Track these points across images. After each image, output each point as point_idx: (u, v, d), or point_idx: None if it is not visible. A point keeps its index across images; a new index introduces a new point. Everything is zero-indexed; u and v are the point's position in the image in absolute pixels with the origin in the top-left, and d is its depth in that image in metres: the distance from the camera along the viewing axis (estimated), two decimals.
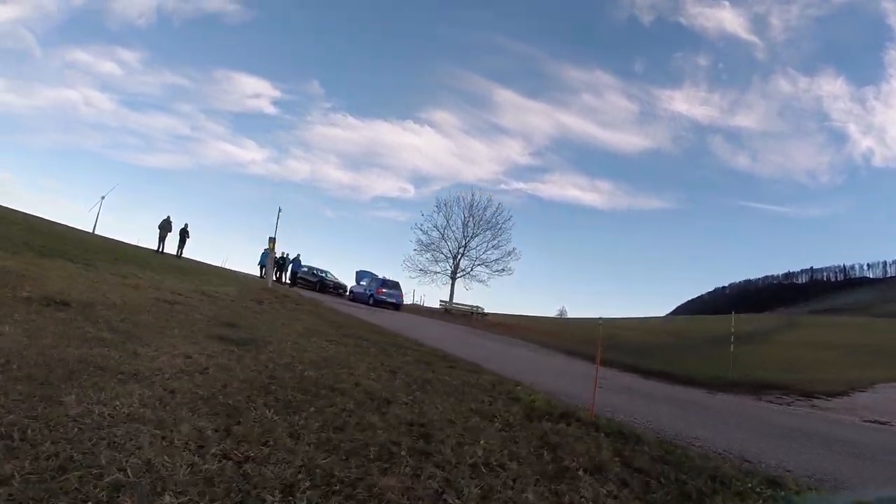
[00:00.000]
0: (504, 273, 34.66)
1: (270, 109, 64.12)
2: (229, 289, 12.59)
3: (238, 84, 65.54)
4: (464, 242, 34.83)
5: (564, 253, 69.67)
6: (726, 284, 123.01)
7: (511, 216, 35.59)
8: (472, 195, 35.61)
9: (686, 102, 78.83)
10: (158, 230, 24.57)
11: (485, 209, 34.91)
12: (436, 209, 35.75)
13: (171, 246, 24.97)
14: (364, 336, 8.47)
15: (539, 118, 67.32)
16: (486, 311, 31.91)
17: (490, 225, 34.68)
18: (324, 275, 29.91)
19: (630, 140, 74.36)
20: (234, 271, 27.50)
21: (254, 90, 74.02)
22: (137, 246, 25.45)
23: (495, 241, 34.75)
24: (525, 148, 65.33)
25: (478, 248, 34.95)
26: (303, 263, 29.84)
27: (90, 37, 60.42)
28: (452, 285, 34.27)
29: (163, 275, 12.23)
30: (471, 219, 34.86)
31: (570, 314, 52.79)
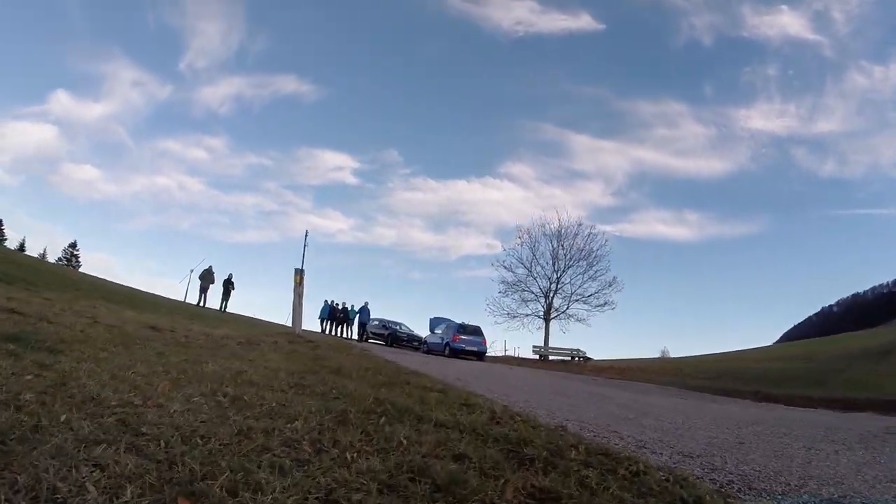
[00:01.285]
0: (606, 308, 28.78)
1: (352, 180, 65.25)
2: (237, 332, 9.08)
3: (319, 159, 68.03)
4: (555, 277, 29.57)
5: (658, 291, 61.45)
6: (833, 302, 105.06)
7: (607, 240, 29.99)
8: (560, 221, 30.51)
9: (762, 118, 69.91)
10: (199, 281, 22.42)
11: (575, 236, 29.73)
12: (518, 240, 30.80)
13: (213, 300, 22.82)
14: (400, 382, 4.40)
15: (615, 157, 62.71)
16: (587, 355, 26.20)
17: (584, 254, 29.30)
18: (397, 327, 26.18)
19: (710, 165, 66.47)
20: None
21: (335, 163, 76.54)
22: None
23: (592, 272, 29.18)
24: (605, 189, 60.47)
25: (572, 282, 29.48)
26: (372, 315, 26.32)
27: (177, 127, 65.97)
28: (547, 328, 28.84)
29: (186, 320, 10.18)
30: (560, 248, 29.70)
31: (672, 354, 44.23)
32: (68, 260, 51.41)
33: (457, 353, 20.48)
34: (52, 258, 47.32)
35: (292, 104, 62.51)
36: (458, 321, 22.17)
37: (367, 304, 26.04)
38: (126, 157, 66.19)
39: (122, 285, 24.10)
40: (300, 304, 13.98)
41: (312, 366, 6.21)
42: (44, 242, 58.33)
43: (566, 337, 33.76)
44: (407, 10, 63.18)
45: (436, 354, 21.04)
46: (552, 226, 29.93)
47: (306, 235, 14.72)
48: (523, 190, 66.16)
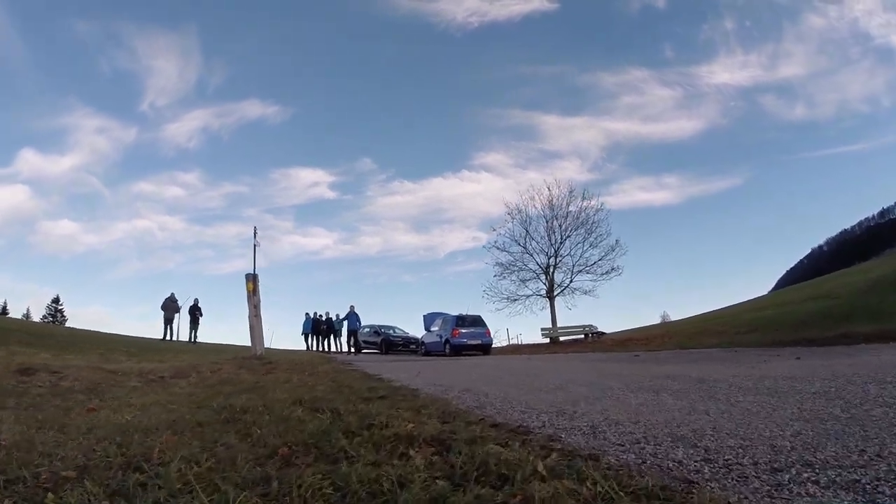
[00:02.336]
0: (612, 275, 26.14)
1: (330, 194, 63.13)
2: (183, 362, 6.35)
3: (294, 178, 65.51)
4: (552, 251, 26.83)
5: (649, 257, 59.84)
6: (822, 242, 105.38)
7: (602, 203, 27.28)
8: (550, 191, 27.69)
9: (726, 72, 68.82)
10: (162, 312, 19.47)
11: (567, 204, 27.01)
12: (508, 216, 27.76)
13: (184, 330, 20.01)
14: None
15: (586, 133, 60.84)
16: (599, 329, 23.62)
17: (580, 221, 26.57)
18: (389, 331, 23.32)
19: (681, 126, 65.02)
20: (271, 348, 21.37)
21: (311, 180, 74.08)
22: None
23: (592, 238, 26.49)
24: (582, 165, 58.34)
25: (572, 252, 26.77)
26: (364, 322, 23.38)
27: (149, 168, 63.17)
28: (552, 306, 26.06)
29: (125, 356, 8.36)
30: (554, 219, 26.95)
31: (673, 317, 41.90)
32: (52, 316, 47.78)
33: (459, 351, 17.76)
34: (36, 317, 44.08)
35: (259, 128, 60.05)
36: (454, 313, 19.47)
37: (353, 308, 22.83)
38: (102, 206, 63.06)
39: (100, 332, 21.20)
40: (258, 318, 11.15)
41: (214, 402, 3.50)
42: (29, 303, 54.99)
43: (572, 314, 31.16)
44: (356, 17, 60.90)
45: (436, 355, 18.29)
46: (542, 197, 27.24)
47: (255, 234, 11.88)
48: (501, 178, 64.14)
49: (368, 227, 69.11)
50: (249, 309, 11.05)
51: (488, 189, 59.29)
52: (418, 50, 63.59)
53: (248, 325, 11.18)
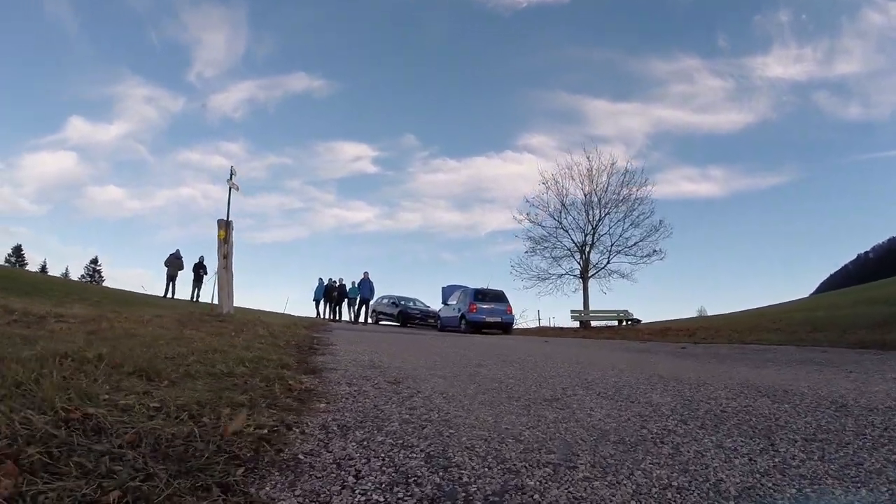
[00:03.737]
0: (654, 258, 23.32)
1: (373, 169, 62.34)
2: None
3: (338, 152, 65.14)
4: (590, 228, 24.17)
5: (690, 249, 55.49)
6: (868, 249, 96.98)
7: (647, 178, 24.25)
8: (589, 161, 25.07)
9: (779, 65, 61.36)
10: (166, 269, 18.44)
11: (609, 176, 24.13)
12: (543, 185, 24.51)
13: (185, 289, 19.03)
14: None
15: (634, 119, 56.19)
16: (635, 317, 20.94)
17: (622, 197, 23.71)
18: (408, 303, 21.73)
19: (731, 119, 58.85)
20: (282, 314, 20.08)
21: (354, 154, 73.48)
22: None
23: (633, 217, 23.63)
24: (627, 152, 54.01)
25: (611, 231, 24.03)
26: (376, 292, 21.70)
27: (195, 137, 64.08)
28: (585, 288, 23.58)
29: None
30: (593, 193, 24.16)
31: (710, 312, 37.89)
32: (91, 276, 49.16)
33: (476, 327, 15.86)
34: (74, 276, 45.42)
35: (305, 101, 59.28)
36: (475, 286, 17.46)
37: (367, 275, 21.10)
38: (147, 173, 64.68)
39: (107, 287, 20.44)
40: (228, 271, 9.51)
41: None
42: (70, 264, 57.95)
43: (605, 299, 28.36)
44: None
45: (451, 331, 16.52)
46: (581, 168, 24.40)
47: (231, 174, 10.06)
48: (544, 160, 60.77)
49: (409, 203, 67.95)
50: (218, 260, 9.43)
51: (530, 171, 56.59)
52: (466, 28, 60.75)
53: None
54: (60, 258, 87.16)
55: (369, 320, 21.32)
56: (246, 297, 49.18)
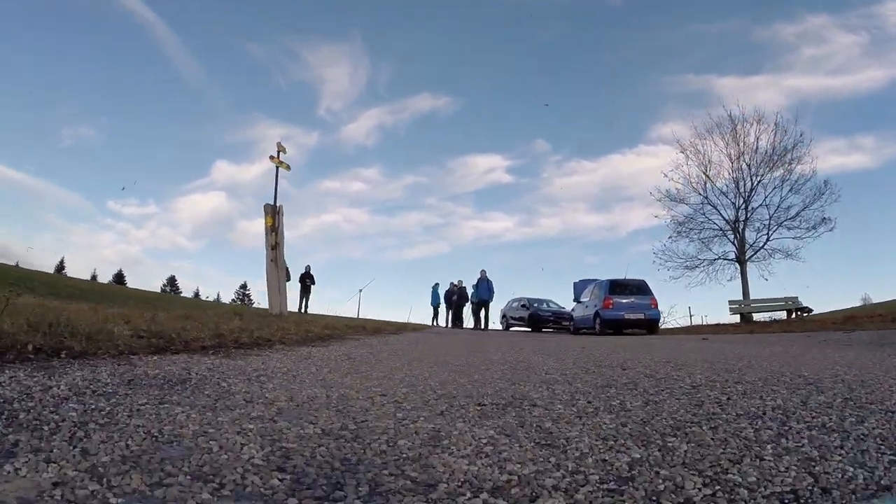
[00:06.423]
0: (822, 229, 18.68)
1: (507, 178, 63.33)
2: None
3: (471, 166, 67.31)
4: (741, 201, 20.29)
5: (846, 232, 43.20)
6: None
7: (802, 133, 19.58)
8: (731, 115, 20.04)
9: None
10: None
11: (757, 134, 20.04)
12: (682, 154, 20.73)
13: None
14: None
15: (767, 92, 46.61)
16: (805, 305, 16.68)
17: (778, 155, 19.47)
18: (541, 305, 19.80)
19: (871, 77, 44.72)
20: (404, 322, 19.46)
21: (487, 166, 75.23)
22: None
23: (792, 180, 19.27)
24: (765, 129, 44.33)
25: (768, 201, 19.88)
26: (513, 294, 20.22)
27: (332, 167, 70.99)
28: (744, 273, 19.72)
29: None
30: (742, 155, 20.19)
31: (875, 300, 28.28)
32: (241, 299, 56.24)
33: (614, 327, 13.75)
34: (226, 300, 52.31)
35: (432, 120, 62.33)
36: (608, 278, 15.24)
37: (484, 273, 19.18)
38: (291, 204, 73.15)
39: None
40: (276, 265, 8.74)
41: None
42: (219, 289, 68.23)
43: (767, 286, 23.30)
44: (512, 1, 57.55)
45: (585, 333, 14.63)
46: (725, 130, 20.56)
47: (278, 152, 9.09)
48: (680, 150, 54.73)
49: (547, 209, 67.35)
50: (266, 252, 8.69)
51: (667, 162, 51.42)
52: (579, 23, 57.73)
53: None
54: (214, 285, 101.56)
55: (498, 326, 19.94)
56: (393, 312, 52.71)
